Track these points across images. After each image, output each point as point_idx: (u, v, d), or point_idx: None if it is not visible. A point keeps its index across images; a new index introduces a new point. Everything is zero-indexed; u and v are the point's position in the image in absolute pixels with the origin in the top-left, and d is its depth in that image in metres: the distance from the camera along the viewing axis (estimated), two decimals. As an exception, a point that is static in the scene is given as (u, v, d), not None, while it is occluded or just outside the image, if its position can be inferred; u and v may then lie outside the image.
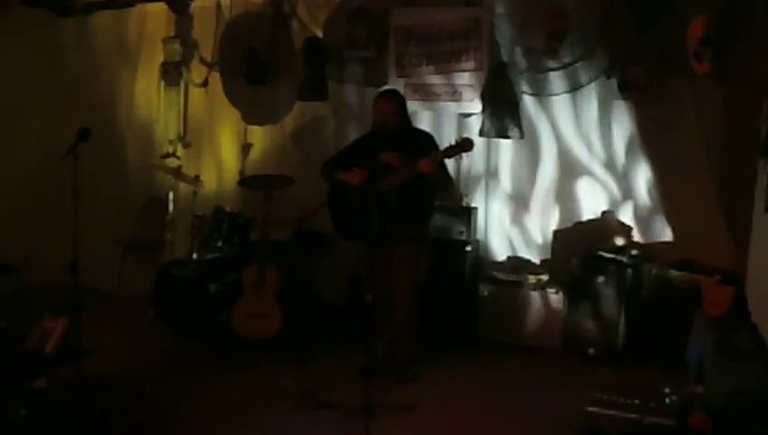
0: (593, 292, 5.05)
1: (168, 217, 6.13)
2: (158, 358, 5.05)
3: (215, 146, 6.63)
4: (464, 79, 5.58)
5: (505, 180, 5.70)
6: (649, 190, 5.24)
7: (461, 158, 4.36)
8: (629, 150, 5.28)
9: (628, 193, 5.32)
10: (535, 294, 5.34)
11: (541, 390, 4.57)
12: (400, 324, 4.64)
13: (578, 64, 5.27)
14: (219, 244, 5.60)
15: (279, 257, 5.40)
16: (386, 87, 5.40)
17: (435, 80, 5.67)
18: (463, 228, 5.48)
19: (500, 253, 5.75)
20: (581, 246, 5.29)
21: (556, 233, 5.55)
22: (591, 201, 5.43)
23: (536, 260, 5.64)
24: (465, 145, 4.39)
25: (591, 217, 5.43)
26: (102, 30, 6.85)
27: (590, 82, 5.29)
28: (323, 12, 6.06)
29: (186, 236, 5.93)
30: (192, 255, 5.60)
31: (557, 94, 5.39)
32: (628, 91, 5.11)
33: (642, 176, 5.25)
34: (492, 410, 4.29)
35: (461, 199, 5.64)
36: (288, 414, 4.12)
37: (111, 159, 6.74)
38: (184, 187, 6.14)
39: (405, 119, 4.71)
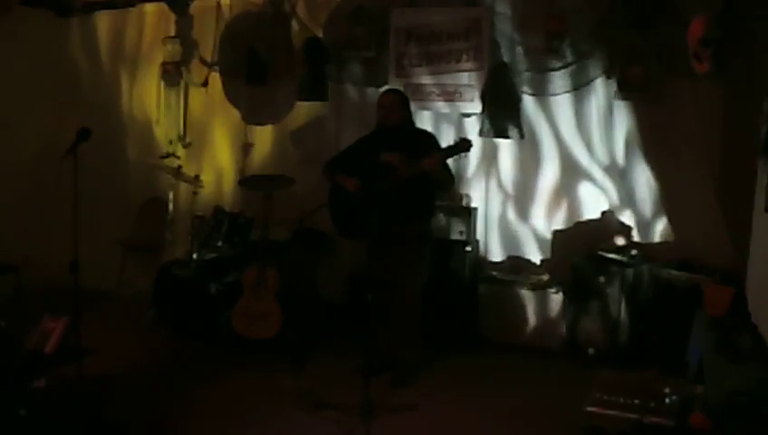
0: (593, 292, 5.05)
1: (168, 217, 6.13)
2: (158, 358, 5.06)
3: (215, 146, 6.62)
4: (464, 79, 5.58)
5: (505, 180, 5.69)
6: (649, 190, 5.24)
7: (460, 158, 4.45)
8: (629, 150, 5.27)
9: (628, 193, 5.32)
10: (535, 295, 5.34)
11: (541, 390, 4.56)
12: (403, 323, 4.64)
13: (578, 64, 5.27)
14: (219, 244, 5.60)
15: (279, 257, 5.40)
16: (387, 87, 5.40)
17: (434, 80, 5.67)
18: (463, 228, 5.48)
19: (500, 253, 5.75)
20: (581, 246, 5.29)
21: (556, 233, 5.55)
22: (591, 201, 5.43)
23: (536, 260, 5.64)
24: (463, 145, 4.40)
25: (591, 217, 5.43)
26: (102, 30, 6.84)
27: (589, 83, 5.29)
28: (323, 12, 6.06)
29: (186, 236, 5.92)
30: (192, 255, 5.60)
31: (557, 94, 5.39)
32: (628, 91, 5.11)
33: (642, 176, 5.25)
34: (492, 411, 4.28)
35: (461, 199, 5.65)
36: (288, 414, 4.12)
37: (111, 159, 6.72)
38: (184, 187, 6.13)
39: (408, 118, 4.71)
